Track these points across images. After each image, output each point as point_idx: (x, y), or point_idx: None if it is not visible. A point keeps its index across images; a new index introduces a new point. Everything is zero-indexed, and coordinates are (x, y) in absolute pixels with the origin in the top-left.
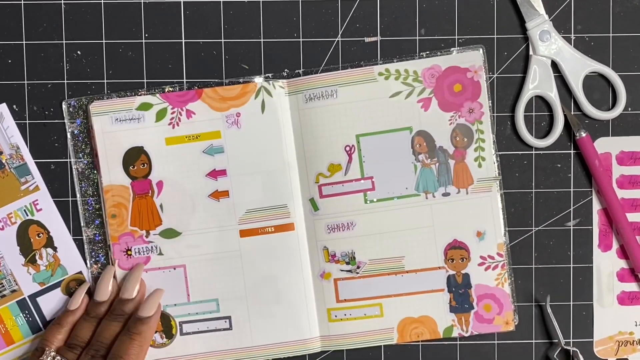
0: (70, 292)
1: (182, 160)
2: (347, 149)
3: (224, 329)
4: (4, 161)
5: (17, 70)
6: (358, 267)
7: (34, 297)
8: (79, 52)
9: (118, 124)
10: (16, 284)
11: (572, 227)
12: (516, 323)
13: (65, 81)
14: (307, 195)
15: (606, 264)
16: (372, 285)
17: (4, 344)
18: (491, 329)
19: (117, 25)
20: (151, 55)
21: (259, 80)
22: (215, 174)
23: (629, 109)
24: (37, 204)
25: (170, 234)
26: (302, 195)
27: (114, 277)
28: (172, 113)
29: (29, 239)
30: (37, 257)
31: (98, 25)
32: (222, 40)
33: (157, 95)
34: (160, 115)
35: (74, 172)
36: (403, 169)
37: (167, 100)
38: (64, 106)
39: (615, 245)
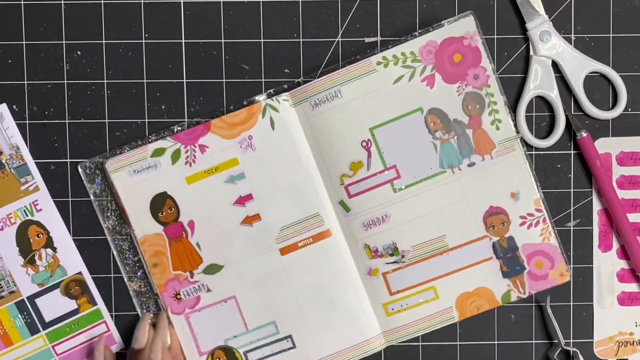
0: (69, 293)
1: (207, 195)
2: (364, 144)
3: (288, 349)
4: (4, 161)
5: (17, 70)
6: (403, 257)
7: (32, 298)
8: (79, 52)
9: (137, 175)
10: (15, 285)
11: (572, 228)
12: (571, 273)
13: (65, 81)
14: (335, 199)
15: (606, 264)
16: (421, 271)
17: (3, 346)
18: (547, 285)
19: (117, 25)
20: (151, 55)
21: (261, 98)
22: (242, 200)
23: (629, 110)
24: (37, 204)
25: (213, 269)
26: (331, 200)
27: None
28: (186, 152)
29: (29, 240)
30: (36, 257)
31: (98, 25)
32: (222, 41)
33: (168, 137)
34: (175, 156)
35: (104, 231)
36: (423, 150)
37: (178, 141)
38: (80, 170)
39: (615, 246)
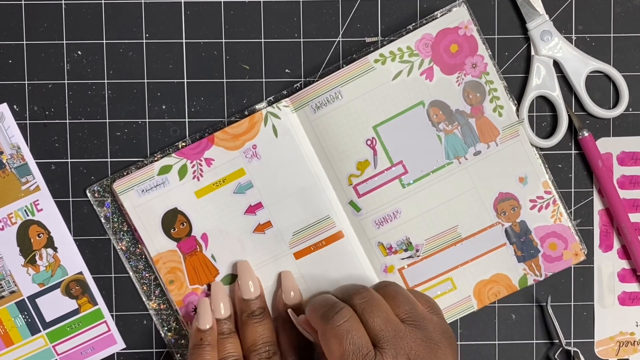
0: (70, 293)
1: (217, 207)
2: (369, 142)
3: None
4: (4, 161)
5: (17, 70)
6: (417, 251)
7: (33, 298)
8: (79, 52)
9: (146, 195)
10: (15, 285)
11: (574, 228)
12: (585, 252)
13: (66, 81)
14: (345, 200)
15: (607, 264)
16: (436, 263)
17: (3, 346)
18: (563, 266)
19: (117, 25)
20: (151, 55)
21: (262, 106)
22: (252, 209)
23: (630, 109)
24: (38, 204)
25: (230, 279)
26: (341, 201)
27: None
28: (193, 167)
29: (29, 240)
30: (37, 257)
31: (98, 25)
32: (223, 41)
33: (173, 154)
34: (182, 172)
35: (118, 253)
36: (428, 143)
37: (183, 156)
38: (88, 194)
39: (616, 246)
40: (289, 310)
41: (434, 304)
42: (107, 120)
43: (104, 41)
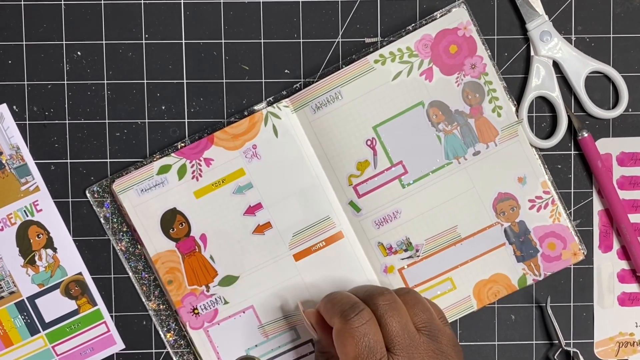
0: (69, 294)
1: (216, 207)
2: (369, 143)
3: (312, 353)
4: (4, 161)
5: (17, 70)
6: (417, 251)
7: (32, 298)
8: (79, 53)
9: (145, 194)
10: (14, 286)
11: (572, 228)
12: (584, 252)
13: (66, 82)
14: (345, 200)
15: (607, 265)
16: (436, 263)
17: (3, 346)
18: (562, 265)
19: (117, 26)
20: (151, 56)
21: (261, 106)
22: (251, 210)
23: (630, 110)
24: (37, 204)
25: (229, 281)
26: (340, 202)
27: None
28: (192, 167)
29: (29, 240)
30: (36, 258)
31: (98, 26)
32: (223, 41)
33: (172, 154)
34: (182, 172)
35: (118, 253)
36: (428, 144)
37: (183, 156)
38: (87, 194)
39: (615, 246)
40: (299, 302)
41: (445, 316)
42: (107, 121)
43: (104, 41)
